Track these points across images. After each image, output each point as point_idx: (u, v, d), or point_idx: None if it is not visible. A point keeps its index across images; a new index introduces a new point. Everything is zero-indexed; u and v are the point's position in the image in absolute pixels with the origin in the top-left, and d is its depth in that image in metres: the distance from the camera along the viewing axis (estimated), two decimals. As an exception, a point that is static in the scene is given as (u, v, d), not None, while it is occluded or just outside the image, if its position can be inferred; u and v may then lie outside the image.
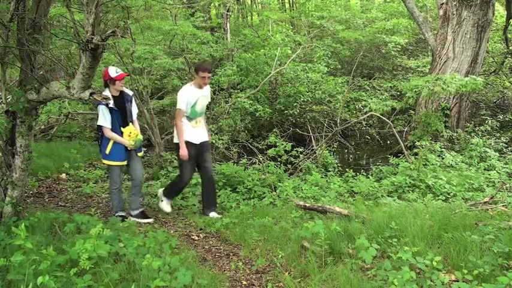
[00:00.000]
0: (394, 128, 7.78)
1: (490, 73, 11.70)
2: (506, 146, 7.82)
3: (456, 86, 6.71)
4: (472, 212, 4.03)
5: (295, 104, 9.33)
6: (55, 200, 5.66)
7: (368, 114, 8.24)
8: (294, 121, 9.62)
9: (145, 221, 4.69)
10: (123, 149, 4.53)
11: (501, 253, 2.97)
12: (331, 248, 3.35)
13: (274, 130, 8.64)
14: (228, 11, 11.24)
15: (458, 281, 2.70)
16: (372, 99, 9.36)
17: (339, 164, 7.36)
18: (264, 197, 5.47)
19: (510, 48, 10.69)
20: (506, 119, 10.02)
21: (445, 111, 8.43)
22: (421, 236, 3.35)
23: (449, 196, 5.26)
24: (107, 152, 4.49)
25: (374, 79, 11.62)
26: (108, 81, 4.49)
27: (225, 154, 8.00)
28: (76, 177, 6.79)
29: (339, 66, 11.53)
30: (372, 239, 3.32)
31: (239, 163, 7.02)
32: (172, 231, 4.39)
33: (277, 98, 9.90)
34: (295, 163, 7.06)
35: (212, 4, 13.22)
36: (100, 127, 4.48)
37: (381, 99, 9.55)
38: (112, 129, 4.47)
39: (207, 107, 5.54)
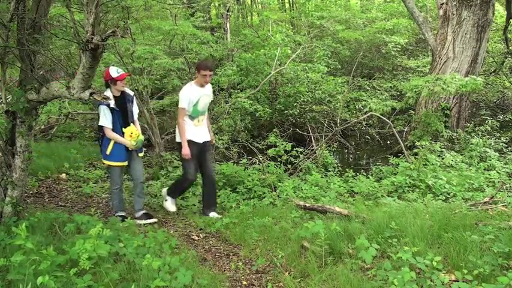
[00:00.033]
0: (394, 128, 7.77)
1: (490, 73, 11.70)
2: (506, 146, 7.81)
3: (456, 86, 6.70)
4: (472, 212, 4.03)
5: (295, 104, 9.32)
6: (55, 200, 5.66)
7: (368, 114, 8.23)
8: (294, 121, 9.61)
9: (150, 221, 4.67)
10: (124, 150, 4.53)
11: (501, 253, 2.97)
12: (331, 248, 3.35)
13: (274, 130, 8.63)
14: (228, 11, 11.23)
15: (458, 281, 2.70)
16: (371, 99, 9.36)
17: (339, 164, 7.35)
18: (264, 197, 5.47)
19: (510, 48, 10.68)
20: (506, 119, 10.01)
21: (445, 111, 8.43)
22: (421, 236, 3.35)
23: (449, 196, 5.25)
24: (108, 152, 4.49)
25: (374, 79, 11.61)
26: (109, 82, 4.48)
27: (225, 154, 8.00)
28: (76, 177, 6.79)
29: (339, 66, 11.52)
30: (371, 239, 3.32)
31: (239, 163, 7.02)
32: (172, 231, 4.39)
33: (277, 98, 9.89)
34: (295, 163, 7.06)
35: (212, 4, 13.21)
36: (101, 127, 4.48)
37: (380, 99, 9.54)
38: (113, 130, 4.47)
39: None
